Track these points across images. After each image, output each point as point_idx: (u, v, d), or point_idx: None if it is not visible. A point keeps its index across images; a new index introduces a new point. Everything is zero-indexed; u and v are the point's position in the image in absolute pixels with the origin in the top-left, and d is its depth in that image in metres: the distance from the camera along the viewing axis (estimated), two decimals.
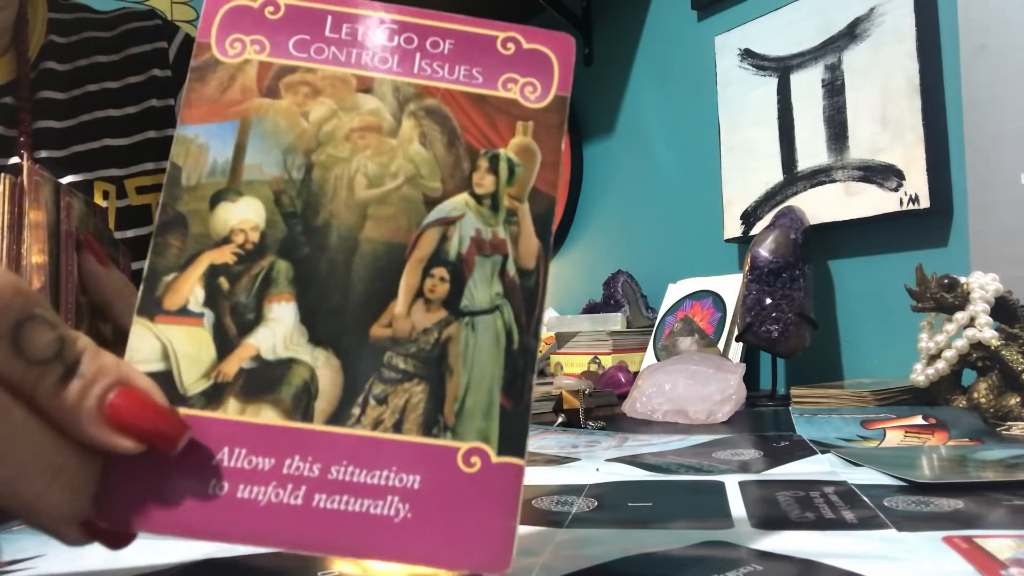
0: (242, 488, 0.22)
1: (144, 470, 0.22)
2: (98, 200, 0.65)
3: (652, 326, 1.16)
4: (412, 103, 0.26)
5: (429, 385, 0.23)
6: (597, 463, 0.50)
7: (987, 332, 0.63)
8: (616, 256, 1.42)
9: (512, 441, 0.23)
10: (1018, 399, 0.62)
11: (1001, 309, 0.65)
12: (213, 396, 0.23)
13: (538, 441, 0.62)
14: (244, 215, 0.24)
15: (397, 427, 0.23)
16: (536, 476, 0.46)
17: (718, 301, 1.09)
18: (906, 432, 0.57)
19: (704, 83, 1.21)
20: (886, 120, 0.94)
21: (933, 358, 0.67)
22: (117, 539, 0.22)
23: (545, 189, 0.26)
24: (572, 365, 1.15)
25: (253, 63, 0.26)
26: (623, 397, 0.84)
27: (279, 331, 0.24)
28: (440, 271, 0.25)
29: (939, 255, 0.92)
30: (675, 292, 1.17)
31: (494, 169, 0.26)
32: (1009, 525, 0.31)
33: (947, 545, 0.28)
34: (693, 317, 1.07)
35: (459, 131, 0.26)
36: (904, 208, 0.91)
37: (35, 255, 0.36)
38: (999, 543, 0.28)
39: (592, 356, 1.13)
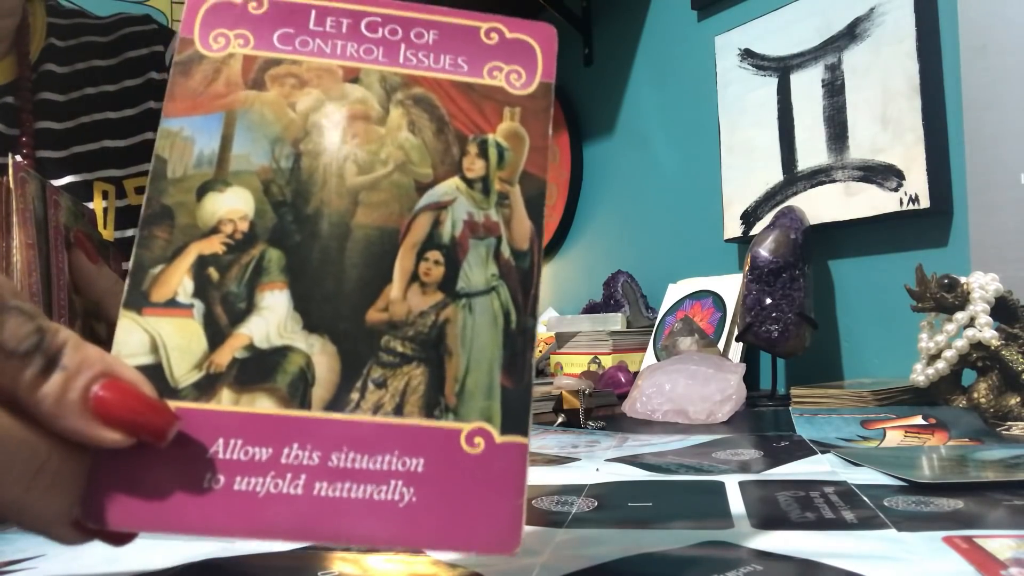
0: (239, 480, 0.21)
1: (134, 466, 0.21)
2: (97, 200, 0.66)
3: (652, 326, 1.16)
4: (399, 92, 0.26)
5: (428, 367, 0.23)
6: (597, 463, 0.50)
7: (987, 332, 0.63)
8: (616, 256, 1.42)
9: (515, 420, 0.23)
10: (1018, 399, 0.61)
11: (1001, 309, 0.65)
12: (206, 387, 0.22)
13: (538, 441, 0.62)
14: (232, 205, 0.24)
15: (398, 410, 0.23)
16: (536, 476, 0.46)
17: (718, 301, 1.09)
18: (906, 432, 0.57)
19: (704, 83, 1.21)
20: (886, 120, 0.94)
21: (933, 358, 0.67)
22: (117, 536, 0.22)
23: (535, 172, 0.26)
24: (572, 365, 1.15)
25: (238, 56, 0.26)
26: (623, 397, 0.84)
27: (272, 319, 0.23)
28: (434, 254, 0.25)
29: (939, 255, 0.91)
30: (675, 292, 1.17)
31: (483, 154, 0.26)
32: (1009, 525, 0.31)
33: (947, 545, 0.28)
34: (693, 317, 1.07)
35: (447, 118, 0.26)
36: (904, 208, 0.91)
37: (25, 252, 0.36)
38: (999, 543, 0.28)
39: (592, 356, 1.13)
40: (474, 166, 0.26)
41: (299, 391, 0.23)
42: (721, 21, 1.21)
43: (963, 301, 0.65)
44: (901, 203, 0.92)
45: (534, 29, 0.27)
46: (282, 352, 0.23)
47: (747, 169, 1.12)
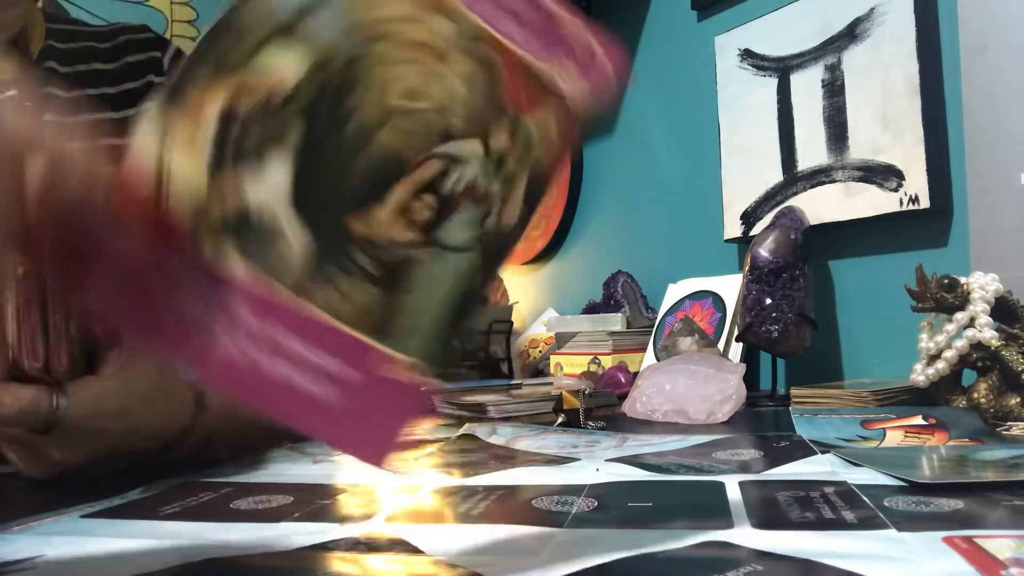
0: (228, 333, 0.24)
1: (148, 291, 0.24)
2: None
3: (652, 326, 1.16)
4: (473, 43, 0.26)
5: (386, 292, 0.25)
6: (597, 463, 0.50)
7: (987, 332, 0.63)
8: (616, 256, 1.42)
9: (439, 366, 0.25)
10: (1018, 399, 0.61)
11: (1001, 309, 0.65)
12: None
13: (538, 441, 0.62)
14: (287, 63, 0.25)
15: (351, 322, 0.25)
16: (536, 476, 0.46)
17: (718, 301, 1.09)
18: (906, 432, 0.57)
19: (704, 83, 1.21)
20: (886, 120, 0.94)
21: (933, 358, 0.67)
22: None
23: (547, 171, 0.27)
24: (572, 365, 1.15)
25: None
26: (623, 397, 0.84)
27: (270, 186, 0.25)
28: (429, 199, 0.26)
29: (939, 255, 0.91)
30: (675, 292, 1.17)
31: (513, 132, 0.27)
32: (1009, 525, 0.31)
33: (947, 545, 0.28)
34: (693, 317, 1.07)
35: (500, 86, 0.27)
36: (904, 208, 0.91)
37: None
38: (999, 543, 0.28)
39: (592, 356, 1.13)
40: (501, 140, 0.26)
41: (274, 269, 0.25)
42: (721, 21, 1.20)
43: (963, 301, 0.65)
44: (901, 203, 0.92)
45: (611, 52, 0.27)
46: (267, 232, 0.25)
47: (747, 169, 1.12)
